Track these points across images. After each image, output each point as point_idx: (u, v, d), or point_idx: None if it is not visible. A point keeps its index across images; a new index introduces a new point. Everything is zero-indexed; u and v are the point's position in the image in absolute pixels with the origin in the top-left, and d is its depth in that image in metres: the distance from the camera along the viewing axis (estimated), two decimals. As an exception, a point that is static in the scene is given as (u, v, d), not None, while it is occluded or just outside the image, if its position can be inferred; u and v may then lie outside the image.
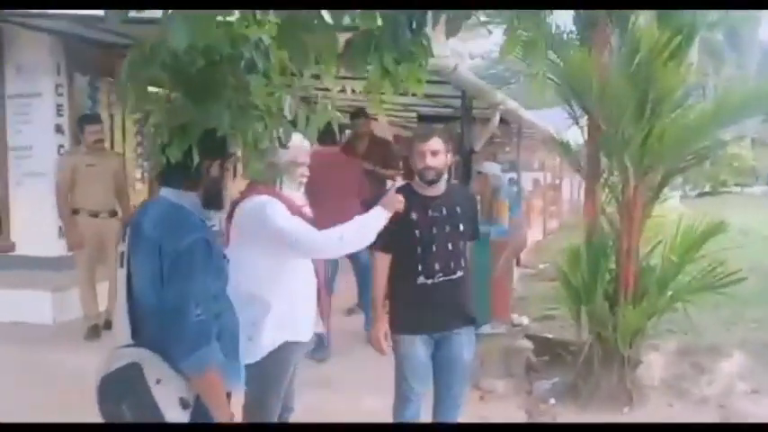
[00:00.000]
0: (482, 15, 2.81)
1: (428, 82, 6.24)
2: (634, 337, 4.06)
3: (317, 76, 1.83)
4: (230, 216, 2.52)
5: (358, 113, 5.59)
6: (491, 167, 4.96)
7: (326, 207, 3.03)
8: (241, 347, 2.02)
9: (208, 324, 1.79)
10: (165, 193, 1.93)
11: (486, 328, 4.70)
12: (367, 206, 2.84)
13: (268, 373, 2.44)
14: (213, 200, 1.97)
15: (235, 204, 2.50)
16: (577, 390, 4.14)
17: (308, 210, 2.64)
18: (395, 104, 8.53)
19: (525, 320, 5.25)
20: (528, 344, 4.77)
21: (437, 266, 2.84)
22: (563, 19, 4.19)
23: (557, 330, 5.44)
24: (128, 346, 1.86)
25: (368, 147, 5.48)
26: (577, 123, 4.39)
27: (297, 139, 2.53)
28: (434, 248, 2.83)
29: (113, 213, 5.15)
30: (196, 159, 1.74)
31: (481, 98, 5.33)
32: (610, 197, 4.40)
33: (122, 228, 1.97)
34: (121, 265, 1.95)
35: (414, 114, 9.38)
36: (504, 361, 4.64)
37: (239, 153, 2.03)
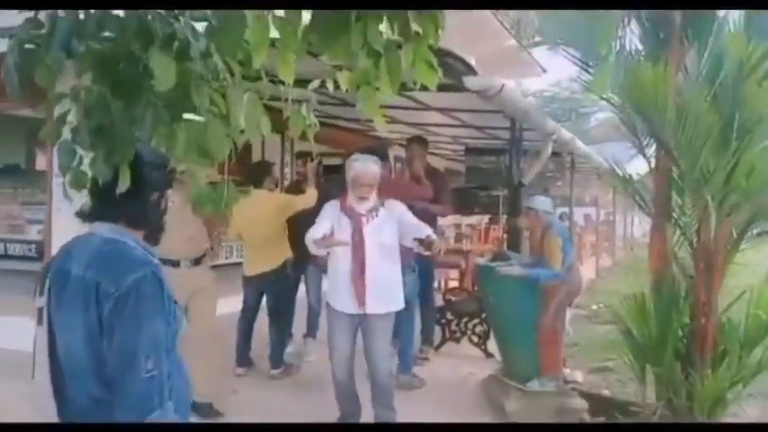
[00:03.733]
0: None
1: (476, 111, 5.60)
2: (714, 406, 3.27)
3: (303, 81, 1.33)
4: None
5: (412, 140, 5.03)
6: (542, 203, 4.28)
7: None
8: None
9: (160, 381, 1.39)
10: (98, 229, 1.50)
11: (534, 385, 3.97)
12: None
13: None
14: (155, 233, 1.58)
15: None
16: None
17: (370, 217, 3.37)
18: (441, 136, 8.02)
19: (579, 376, 4.49)
20: (582, 403, 4.00)
21: None
22: (628, 37, 3.53)
23: (615, 386, 4.64)
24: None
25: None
26: (644, 155, 3.69)
27: (365, 162, 3.43)
28: None
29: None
30: (124, 182, 1.21)
31: (532, 125, 4.67)
32: (681, 240, 3.67)
33: (41, 277, 1.45)
34: (39, 323, 1.46)
35: (461, 147, 8.82)
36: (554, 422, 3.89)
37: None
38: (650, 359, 3.36)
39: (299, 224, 4.60)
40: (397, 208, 3.49)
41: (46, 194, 5.15)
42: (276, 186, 5.00)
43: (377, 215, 3.41)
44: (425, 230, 3.40)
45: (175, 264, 3.69)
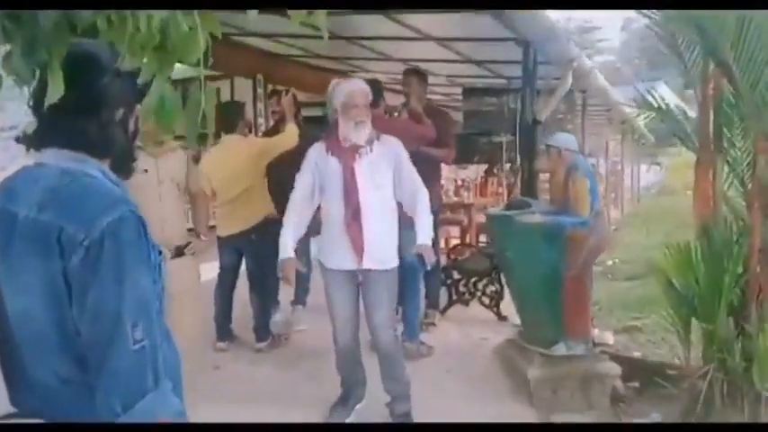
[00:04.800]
0: None
1: (478, 40, 5.20)
2: (775, 369, 3.05)
3: None
4: None
5: (409, 73, 4.68)
6: (566, 140, 3.97)
7: None
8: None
9: (153, 353, 1.14)
10: (50, 157, 1.22)
11: (560, 348, 3.74)
12: None
13: None
14: (124, 165, 1.31)
15: None
16: (689, 435, 3.17)
17: (369, 149, 3.07)
18: (433, 76, 7.64)
19: (610, 338, 4.27)
20: (614, 368, 3.79)
21: None
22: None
23: (646, 347, 4.45)
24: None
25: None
26: (691, 81, 3.39)
27: (353, 82, 3.22)
28: None
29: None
30: (55, 88, 0.93)
31: (551, 50, 4.32)
32: (731, 177, 3.40)
33: None
34: None
35: (456, 91, 8.45)
36: (582, 389, 3.68)
37: None
38: (701, 315, 3.13)
39: (280, 172, 4.28)
40: (395, 145, 3.19)
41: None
42: (250, 131, 4.64)
43: (371, 150, 3.10)
44: (422, 191, 3.17)
45: None
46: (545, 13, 3.49)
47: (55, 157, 1.20)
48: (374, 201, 3.08)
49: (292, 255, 3.14)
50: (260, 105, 8.28)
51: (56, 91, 1.03)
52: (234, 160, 4.18)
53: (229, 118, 4.34)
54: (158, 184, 3.04)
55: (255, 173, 4.30)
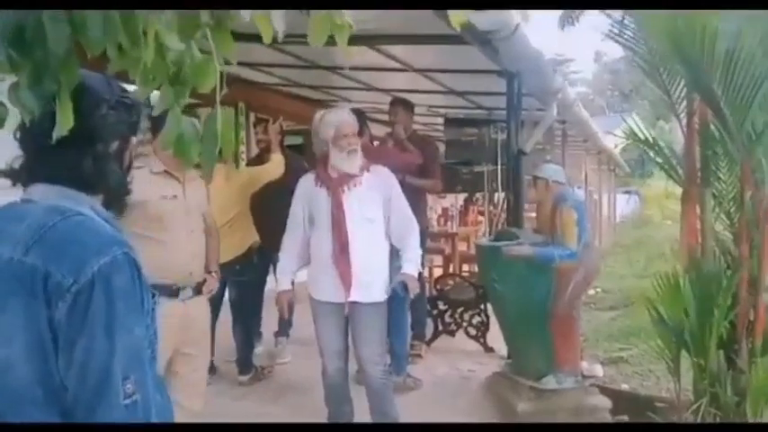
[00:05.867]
0: None
1: (460, 72, 5.23)
2: None
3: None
4: None
5: (395, 102, 4.70)
6: (554, 171, 3.98)
7: None
8: None
9: (145, 408, 1.07)
10: (38, 193, 1.15)
11: (549, 381, 3.70)
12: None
13: None
14: (119, 200, 1.25)
15: None
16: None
17: (359, 180, 3.04)
18: (418, 105, 7.66)
19: (599, 370, 4.24)
20: (604, 401, 3.76)
21: None
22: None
23: (633, 379, 4.43)
24: None
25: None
26: (675, 113, 3.43)
27: (340, 111, 3.16)
28: None
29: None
30: (64, 122, 0.89)
31: (536, 82, 4.35)
32: (717, 212, 3.43)
33: None
34: None
35: (437, 121, 8.49)
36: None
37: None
38: (692, 348, 3.12)
39: (265, 202, 4.23)
40: (386, 176, 3.17)
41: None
42: (234, 161, 4.58)
43: (360, 183, 3.06)
44: (412, 225, 3.18)
45: (173, 293, 2.64)
46: (530, 45, 3.51)
47: (43, 194, 1.14)
48: (363, 233, 3.04)
49: (290, 287, 3.13)
50: (242, 133, 8.22)
51: (65, 124, 0.97)
52: (218, 190, 4.11)
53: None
54: (187, 215, 2.74)
55: (240, 202, 4.24)
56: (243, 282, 4.20)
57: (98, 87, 1.15)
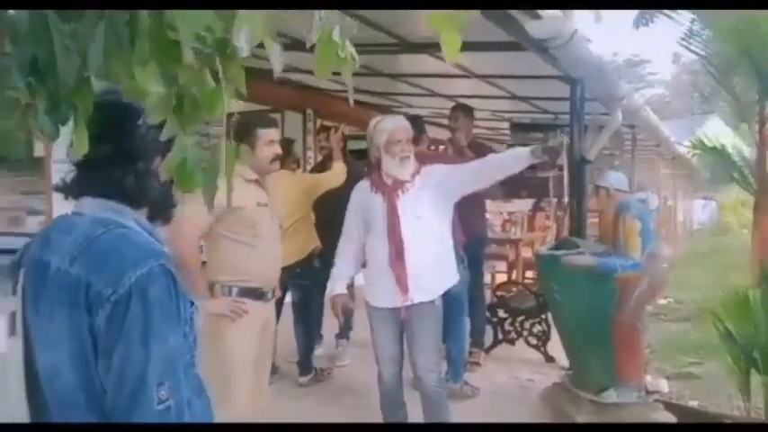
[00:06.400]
0: None
1: (522, 77, 5.18)
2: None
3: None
4: None
5: (456, 109, 4.72)
6: (616, 179, 3.89)
7: None
8: None
9: (179, 413, 1.12)
10: (86, 207, 1.21)
11: (610, 395, 3.61)
12: None
13: None
14: (164, 211, 1.29)
15: None
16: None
17: (406, 187, 3.02)
18: (482, 110, 7.62)
19: (664, 385, 4.10)
20: (669, 417, 3.63)
21: None
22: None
23: (703, 395, 4.25)
24: None
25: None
26: (747, 119, 3.29)
27: (394, 118, 3.15)
28: None
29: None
30: (80, 144, 0.92)
31: (600, 88, 4.26)
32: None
33: (11, 271, 1.16)
34: (12, 333, 1.18)
35: (503, 125, 8.41)
36: (635, 439, 3.53)
37: None
38: (762, 368, 2.98)
39: (326, 209, 4.32)
40: (432, 170, 3.13)
41: (44, 181, 4.95)
42: (298, 167, 4.70)
43: (412, 185, 3.08)
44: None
45: (260, 295, 2.75)
46: (590, 51, 3.44)
47: (91, 207, 1.20)
48: (417, 232, 3.03)
49: (344, 291, 3.17)
50: (309, 139, 8.43)
51: (80, 149, 0.99)
52: (281, 196, 4.24)
53: None
54: (272, 221, 2.85)
55: (303, 208, 4.35)
56: (304, 285, 4.31)
57: (138, 106, 1.17)
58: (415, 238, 3.02)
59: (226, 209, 2.54)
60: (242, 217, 2.67)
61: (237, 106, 1.13)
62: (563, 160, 6.82)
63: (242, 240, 2.68)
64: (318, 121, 7.97)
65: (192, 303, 1.28)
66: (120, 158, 1.18)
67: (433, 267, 3.07)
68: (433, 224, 3.09)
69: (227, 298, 2.65)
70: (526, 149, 2.87)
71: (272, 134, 2.87)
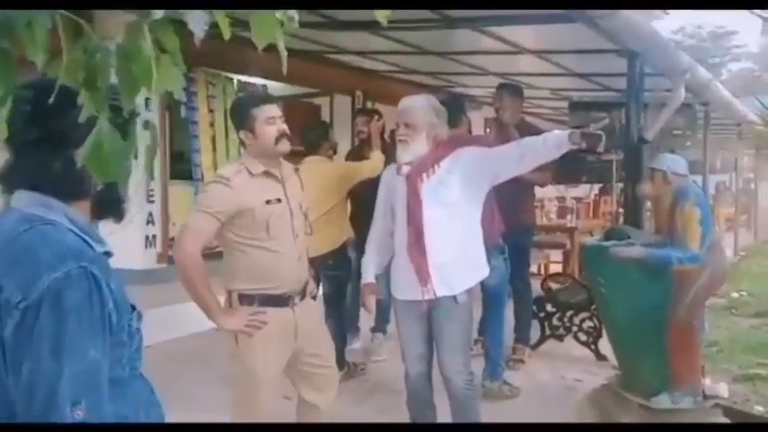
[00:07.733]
0: None
1: (574, 52, 4.85)
2: None
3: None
4: None
5: (502, 88, 4.49)
6: (673, 162, 3.53)
7: None
8: None
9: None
10: (18, 201, 1.12)
11: (663, 400, 3.31)
12: None
13: None
14: (111, 206, 1.18)
15: None
16: None
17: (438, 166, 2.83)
18: (536, 89, 7.24)
19: (724, 390, 3.75)
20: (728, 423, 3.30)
21: None
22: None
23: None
24: None
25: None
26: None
27: (411, 98, 2.95)
28: None
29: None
30: None
31: (659, 61, 3.89)
32: None
33: None
34: None
35: (562, 105, 7.99)
36: (690, 449, 3.23)
37: None
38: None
39: (361, 197, 4.17)
40: (464, 154, 2.86)
41: None
42: (335, 153, 4.56)
43: (439, 167, 2.84)
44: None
45: (283, 301, 2.55)
46: (640, 22, 3.11)
47: (21, 201, 1.10)
48: (440, 219, 2.80)
49: (372, 280, 3.01)
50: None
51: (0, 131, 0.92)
52: (316, 182, 4.11)
53: (313, 140, 4.29)
54: (291, 217, 2.58)
55: (337, 196, 4.21)
56: (336, 276, 4.18)
57: (72, 90, 1.09)
58: (437, 225, 2.80)
59: (232, 213, 2.43)
60: (253, 218, 2.45)
61: (281, 90, 0.99)
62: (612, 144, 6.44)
63: (257, 245, 2.47)
64: (368, 104, 7.82)
65: (134, 308, 1.16)
66: (51, 142, 1.07)
67: (458, 258, 2.85)
68: (460, 211, 2.86)
69: (244, 312, 2.47)
70: (564, 133, 2.62)
71: (269, 110, 2.54)
